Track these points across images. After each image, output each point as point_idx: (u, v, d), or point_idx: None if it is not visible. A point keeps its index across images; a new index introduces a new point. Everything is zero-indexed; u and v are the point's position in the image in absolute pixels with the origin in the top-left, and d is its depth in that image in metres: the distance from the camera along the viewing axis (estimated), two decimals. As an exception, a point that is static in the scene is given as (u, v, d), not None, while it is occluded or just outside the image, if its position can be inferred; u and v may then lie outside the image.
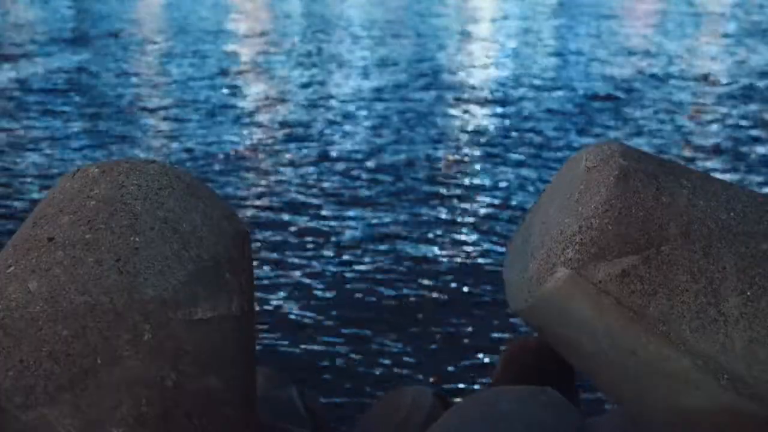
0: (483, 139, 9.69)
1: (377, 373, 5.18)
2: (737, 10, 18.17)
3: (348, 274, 6.40)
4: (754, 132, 9.94)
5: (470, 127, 10.17)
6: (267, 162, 8.89)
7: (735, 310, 1.65)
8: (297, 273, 6.43)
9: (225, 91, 11.81)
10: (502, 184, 8.22)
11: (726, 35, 15.73)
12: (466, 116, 10.67)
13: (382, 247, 6.82)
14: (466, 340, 5.52)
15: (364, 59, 13.73)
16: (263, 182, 8.28)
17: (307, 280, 6.31)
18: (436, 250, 6.80)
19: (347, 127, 10.11)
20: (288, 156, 9.05)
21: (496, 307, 5.83)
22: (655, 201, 1.70)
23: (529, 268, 1.76)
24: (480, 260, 6.61)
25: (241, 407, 1.77)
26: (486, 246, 6.85)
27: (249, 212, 7.45)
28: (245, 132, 9.96)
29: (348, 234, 7.07)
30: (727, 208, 1.76)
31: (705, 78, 12.58)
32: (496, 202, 7.79)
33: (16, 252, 1.64)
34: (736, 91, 11.76)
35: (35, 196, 7.78)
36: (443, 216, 7.45)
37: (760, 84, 12.16)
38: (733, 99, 11.38)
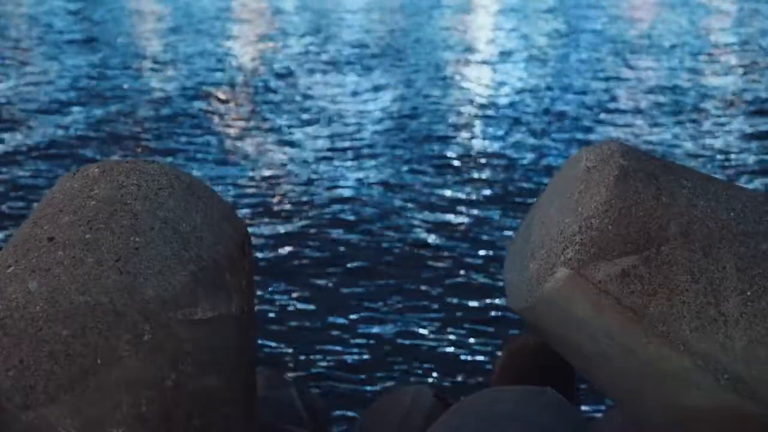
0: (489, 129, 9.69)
1: (377, 372, 5.19)
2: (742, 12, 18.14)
3: (348, 275, 6.40)
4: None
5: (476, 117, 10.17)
6: (266, 162, 8.89)
7: (735, 310, 1.65)
8: (297, 273, 6.43)
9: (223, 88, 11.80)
10: (499, 182, 8.22)
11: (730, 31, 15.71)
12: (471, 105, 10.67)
13: (381, 246, 6.82)
14: (466, 340, 5.52)
15: (363, 53, 13.73)
16: (262, 183, 8.27)
17: (308, 280, 6.31)
18: (435, 248, 6.80)
19: (351, 119, 10.11)
20: (287, 154, 9.04)
21: (497, 307, 5.83)
22: (655, 201, 1.70)
23: (529, 268, 1.76)
24: (480, 260, 6.61)
25: (241, 407, 1.77)
26: (487, 245, 6.85)
27: (249, 212, 7.45)
28: (244, 132, 9.96)
29: (348, 233, 7.07)
30: (727, 208, 1.76)
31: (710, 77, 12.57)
32: (495, 201, 7.79)
33: (16, 252, 1.64)
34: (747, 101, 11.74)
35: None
36: (441, 214, 7.45)
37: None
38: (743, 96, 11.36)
